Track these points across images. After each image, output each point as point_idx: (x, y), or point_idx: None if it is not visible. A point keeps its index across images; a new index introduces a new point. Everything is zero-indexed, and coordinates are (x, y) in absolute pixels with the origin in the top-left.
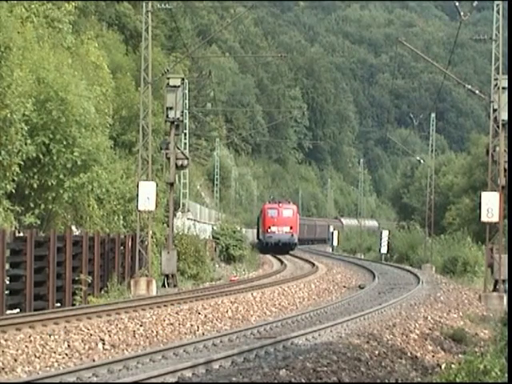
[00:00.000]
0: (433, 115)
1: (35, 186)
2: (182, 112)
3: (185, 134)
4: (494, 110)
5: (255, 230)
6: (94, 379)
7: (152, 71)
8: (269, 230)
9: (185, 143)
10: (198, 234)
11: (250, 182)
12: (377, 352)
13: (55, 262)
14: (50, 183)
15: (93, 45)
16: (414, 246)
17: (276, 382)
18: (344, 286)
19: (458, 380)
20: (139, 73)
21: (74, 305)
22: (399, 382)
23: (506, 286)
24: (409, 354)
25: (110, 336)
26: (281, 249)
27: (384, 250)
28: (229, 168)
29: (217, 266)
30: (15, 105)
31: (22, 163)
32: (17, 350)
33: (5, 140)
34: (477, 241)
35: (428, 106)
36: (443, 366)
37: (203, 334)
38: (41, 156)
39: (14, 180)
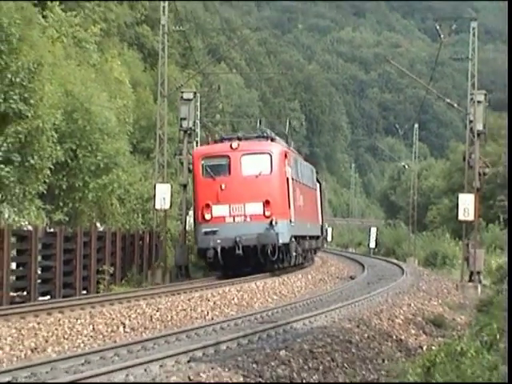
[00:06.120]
0: (416, 125)
1: (64, 187)
2: (194, 122)
3: (196, 142)
4: (470, 122)
5: None
6: (116, 358)
7: (168, 86)
8: (206, 217)
9: None
10: None
11: None
12: (366, 335)
13: (81, 255)
14: (76, 184)
15: (115, 62)
16: (399, 241)
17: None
18: (337, 277)
19: (437, 360)
20: (156, 87)
21: (98, 292)
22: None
23: (481, 277)
24: (394, 337)
25: (129, 320)
26: (244, 262)
27: (372, 244)
28: None
29: None
30: (46, 115)
31: (52, 167)
32: (48, 332)
33: (37, 146)
34: (454, 237)
35: (412, 118)
36: (425, 348)
37: (212, 318)
38: (69, 160)
39: (45, 182)
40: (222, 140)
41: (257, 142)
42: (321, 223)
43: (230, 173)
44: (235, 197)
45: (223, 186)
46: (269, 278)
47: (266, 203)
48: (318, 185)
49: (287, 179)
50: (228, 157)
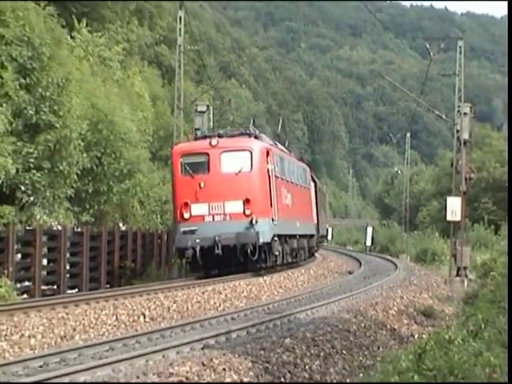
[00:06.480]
0: (408, 135)
1: (90, 190)
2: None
3: None
4: (457, 131)
5: None
6: (137, 345)
7: (183, 99)
8: (185, 216)
9: None
10: None
11: None
12: (363, 325)
13: (106, 252)
14: (101, 189)
15: (136, 78)
16: (392, 239)
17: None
18: (336, 272)
19: (428, 347)
20: (173, 101)
21: (120, 286)
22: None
23: (467, 272)
24: (388, 327)
25: (149, 311)
26: (224, 261)
27: (368, 242)
28: None
29: None
30: (74, 125)
31: (79, 173)
32: (75, 322)
33: (65, 154)
34: (443, 236)
35: (404, 128)
36: (416, 336)
37: (224, 309)
38: (94, 167)
39: (72, 186)
40: (204, 137)
41: (238, 138)
42: (316, 222)
43: (209, 170)
44: (214, 195)
45: (202, 184)
46: (275, 273)
47: (246, 201)
48: (312, 184)
49: (269, 177)
50: (207, 154)
